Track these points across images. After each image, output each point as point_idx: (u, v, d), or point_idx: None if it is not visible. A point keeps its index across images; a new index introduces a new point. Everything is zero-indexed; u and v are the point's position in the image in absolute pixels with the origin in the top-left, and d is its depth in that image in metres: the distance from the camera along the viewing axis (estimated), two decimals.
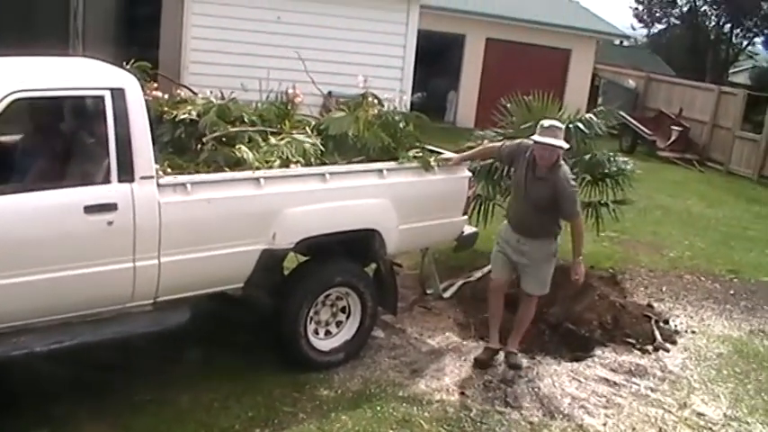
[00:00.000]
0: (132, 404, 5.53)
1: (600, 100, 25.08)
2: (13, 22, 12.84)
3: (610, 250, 10.68)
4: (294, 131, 6.47)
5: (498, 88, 22.38)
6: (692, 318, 8.71)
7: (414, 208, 6.65)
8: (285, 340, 6.21)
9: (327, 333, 6.48)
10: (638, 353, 7.46)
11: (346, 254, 6.55)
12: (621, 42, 29.58)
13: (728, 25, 36.72)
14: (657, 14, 38.82)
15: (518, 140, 6.89)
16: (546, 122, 6.42)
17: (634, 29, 39.06)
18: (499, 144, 7.24)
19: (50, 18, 12.89)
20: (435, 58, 21.20)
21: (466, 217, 7.32)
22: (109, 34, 17.69)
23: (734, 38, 37.39)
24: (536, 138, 6.35)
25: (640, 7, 38.93)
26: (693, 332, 8.28)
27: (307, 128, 6.69)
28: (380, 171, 6.43)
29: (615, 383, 6.79)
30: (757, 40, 37.87)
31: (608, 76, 26.30)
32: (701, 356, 7.66)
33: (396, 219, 6.47)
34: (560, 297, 8.03)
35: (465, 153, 7.18)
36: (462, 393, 6.30)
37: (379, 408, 5.91)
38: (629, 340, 7.63)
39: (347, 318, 6.53)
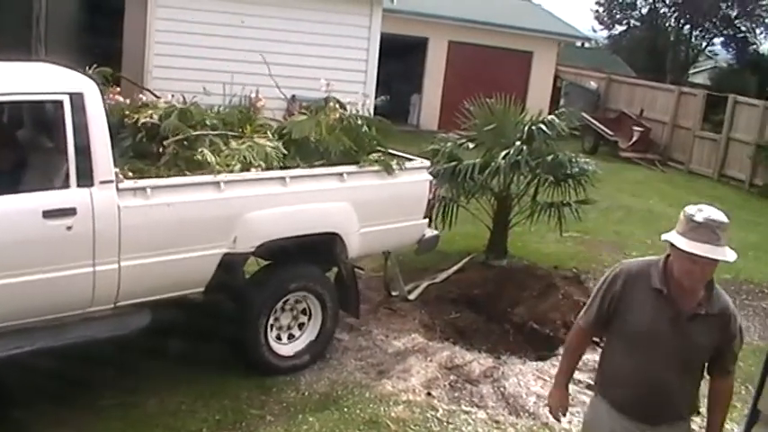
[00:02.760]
0: (98, 409, 5.49)
1: (562, 101, 25.30)
2: None
3: (573, 250, 10.77)
4: (256, 135, 6.47)
5: (461, 91, 22.46)
6: None
7: (375, 211, 6.63)
8: (246, 346, 6.19)
9: (291, 337, 6.46)
10: None
11: (307, 258, 6.51)
12: (583, 44, 29.90)
13: (687, 26, 37.15)
14: (617, 16, 39.17)
15: (618, 270, 3.94)
16: (697, 213, 3.60)
17: (595, 31, 39.39)
18: (582, 313, 4.11)
19: (13, 24, 12.76)
20: (398, 61, 21.24)
21: (427, 220, 7.30)
22: (72, 39, 17.55)
23: (693, 39, 37.82)
24: (682, 244, 3.59)
25: (600, 9, 39.26)
26: None
27: (269, 132, 6.68)
28: (341, 175, 6.42)
29: (580, 381, 6.80)
30: (716, 40, 38.32)
31: (570, 78, 26.52)
32: None
33: (357, 222, 6.47)
34: (525, 297, 8.11)
35: (561, 367, 4.38)
36: (429, 394, 6.33)
37: (346, 409, 5.92)
38: (593, 339, 7.68)
39: (309, 320, 6.53)
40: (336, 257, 6.60)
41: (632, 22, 39.35)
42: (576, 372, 6.80)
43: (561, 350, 7.25)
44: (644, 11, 38.02)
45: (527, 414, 6.20)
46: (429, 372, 6.70)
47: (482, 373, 6.75)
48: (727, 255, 3.52)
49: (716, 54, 39.77)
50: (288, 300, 6.34)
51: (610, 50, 39.75)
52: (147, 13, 16.48)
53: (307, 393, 6.11)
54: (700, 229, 3.52)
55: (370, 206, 6.60)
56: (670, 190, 17.67)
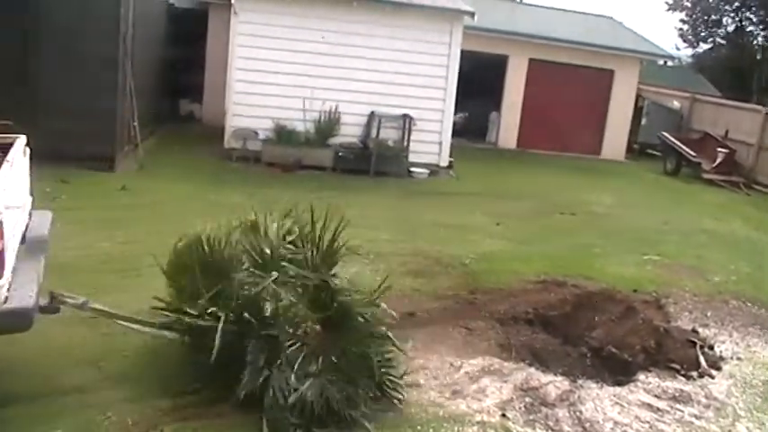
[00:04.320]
0: None
1: (643, 121, 24.92)
2: (68, 42, 13.26)
3: (653, 274, 10.56)
4: None
5: (541, 109, 22.58)
6: (737, 344, 8.57)
7: None
8: None
9: None
10: (683, 379, 7.36)
11: None
12: (666, 63, 29.35)
13: None
14: (702, 34, 38.52)
15: None
16: None
17: (678, 49, 38.82)
18: None
19: (102, 41, 13.28)
20: (478, 78, 21.24)
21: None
22: (156, 54, 18.09)
23: None
24: None
25: (685, 27, 38.65)
26: (739, 359, 8.14)
27: None
28: None
29: (659, 409, 6.70)
30: None
31: (652, 97, 26.09)
32: (747, 383, 7.53)
33: None
34: (603, 320, 8.00)
35: None
36: (503, 415, 6.26)
37: (419, 427, 5.88)
38: (673, 366, 7.54)
39: None
40: None
41: (717, 40, 38.65)
42: (656, 399, 6.76)
43: (640, 376, 7.18)
44: (730, 29, 37.31)
45: None
46: (504, 393, 6.63)
47: (558, 396, 6.65)
48: None
49: None
50: None
51: (694, 69, 39.05)
52: (229, 29, 16.88)
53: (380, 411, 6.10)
54: None
55: None
56: (755, 213, 17.23)
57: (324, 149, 16.28)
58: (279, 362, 5.54)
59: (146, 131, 15.67)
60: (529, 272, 9.63)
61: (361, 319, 5.96)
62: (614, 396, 6.80)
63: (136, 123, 14.42)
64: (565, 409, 6.50)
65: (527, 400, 6.56)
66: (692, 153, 21.70)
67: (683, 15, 38.19)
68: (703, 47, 39.76)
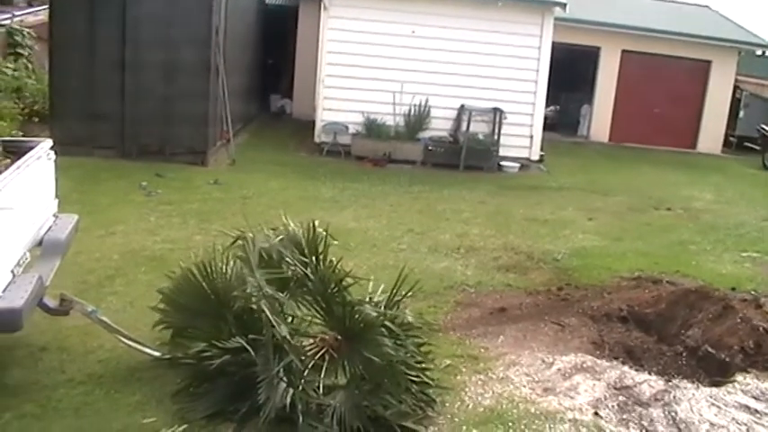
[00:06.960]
0: None
1: (741, 113, 24.20)
2: (160, 38, 13.53)
3: (752, 272, 10.25)
4: None
5: (634, 102, 22.15)
6: None
7: None
8: None
9: None
10: None
11: None
12: (764, 53, 28.42)
13: None
14: None
15: None
16: None
17: None
18: None
19: (195, 33, 13.58)
20: (569, 70, 20.95)
21: None
22: (248, 51, 18.41)
23: None
24: None
25: None
26: None
27: None
28: None
29: (757, 411, 6.49)
30: None
31: (750, 89, 25.30)
32: None
33: None
34: (699, 319, 7.81)
35: None
36: (596, 414, 6.17)
37: (510, 424, 5.85)
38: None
39: None
40: None
41: None
42: (754, 401, 6.58)
43: (738, 377, 6.98)
44: None
45: None
46: (597, 391, 6.53)
47: (652, 395, 6.52)
48: None
49: None
50: None
51: None
52: (319, 23, 17.06)
53: (471, 406, 6.07)
54: None
55: None
56: None
57: (413, 143, 16.33)
58: (301, 379, 5.29)
59: (237, 127, 15.97)
60: (623, 268, 9.48)
61: (383, 329, 5.57)
62: (711, 397, 6.63)
63: (228, 119, 14.70)
64: (659, 409, 6.37)
65: (620, 398, 6.45)
66: None
67: None
68: None
